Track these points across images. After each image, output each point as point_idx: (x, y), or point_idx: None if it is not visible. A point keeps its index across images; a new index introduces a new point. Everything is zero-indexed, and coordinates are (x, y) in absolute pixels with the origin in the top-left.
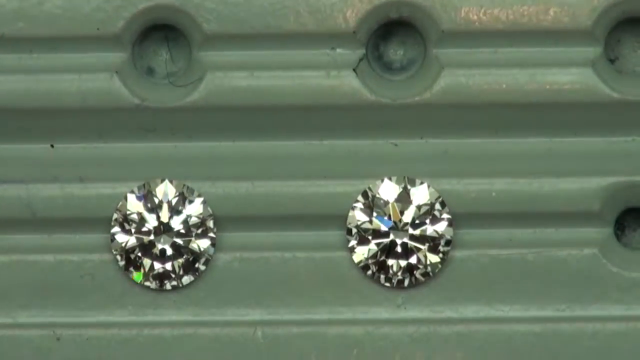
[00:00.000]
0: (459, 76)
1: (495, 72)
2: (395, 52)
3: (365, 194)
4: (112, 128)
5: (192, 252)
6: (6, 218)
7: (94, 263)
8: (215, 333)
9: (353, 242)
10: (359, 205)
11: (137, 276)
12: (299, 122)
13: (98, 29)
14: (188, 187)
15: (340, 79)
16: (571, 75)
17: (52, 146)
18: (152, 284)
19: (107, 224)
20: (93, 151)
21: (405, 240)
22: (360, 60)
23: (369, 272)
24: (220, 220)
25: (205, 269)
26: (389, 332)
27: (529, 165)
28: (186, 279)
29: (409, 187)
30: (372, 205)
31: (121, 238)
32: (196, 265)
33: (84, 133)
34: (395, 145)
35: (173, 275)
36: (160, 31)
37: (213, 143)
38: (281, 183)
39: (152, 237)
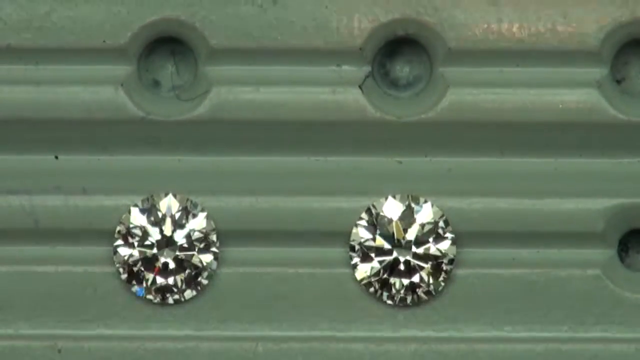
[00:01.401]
0: (464, 95)
1: (500, 92)
2: (402, 70)
3: (369, 212)
4: (116, 140)
5: (195, 266)
6: (9, 228)
7: (96, 275)
8: (217, 348)
9: (356, 260)
10: (363, 222)
11: (138, 290)
12: (303, 138)
13: (104, 41)
14: (192, 202)
15: (346, 95)
16: (577, 96)
17: (56, 157)
18: (154, 297)
19: (110, 236)
20: (97, 163)
21: (408, 258)
22: (366, 77)
23: (372, 290)
24: (223, 234)
25: (208, 284)
26: (391, 350)
27: (533, 185)
28: (188, 293)
29: (412, 205)
30: (376, 222)
31: (124, 251)
32: (199, 280)
33: (88, 145)
34: (400, 162)
35: (175, 290)
36: (167, 44)
37: (217, 157)
38: (285, 199)
39: (154, 250)
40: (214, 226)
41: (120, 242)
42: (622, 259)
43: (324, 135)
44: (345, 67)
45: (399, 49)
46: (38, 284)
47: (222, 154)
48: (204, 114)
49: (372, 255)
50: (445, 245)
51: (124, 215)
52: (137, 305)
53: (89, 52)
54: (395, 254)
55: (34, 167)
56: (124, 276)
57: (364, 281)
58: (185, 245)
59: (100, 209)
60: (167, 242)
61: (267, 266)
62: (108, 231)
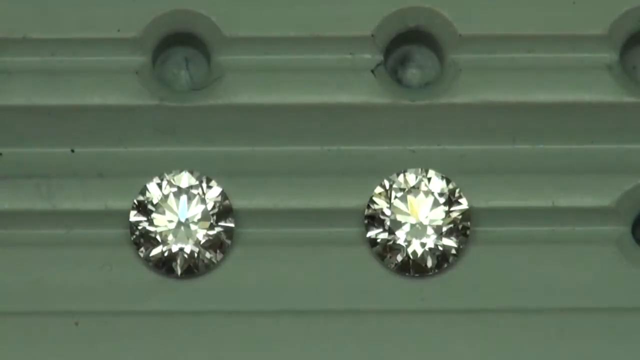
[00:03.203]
0: (476, 79)
1: (512, 77)
2: (414, 75)
3: (383, 185)
4: (131, 130)
5: (211, 240)
6: (26, 210)
7: (113, 254)
8: (234, 322)
9: (371, 233)
10: (378, 193)
11: (154, 263)
12: (316, 124)
13: (119, 30)
14: (207, 177)
15: (359, 80)
16: (588, 79)
17: (72, 151)
18: (170, 271)
19: (125, 217)
20: (113, 155)
21: (424, 230)
22: (378, 65)
23: (387, 262)
24: (238, 214)
25: (223, 260)
26: (408, 322)
27: (546, 170)
28: (204, 267)
29: (425, 178)
30: (390, 194)
31: (140, 225)
32: (215, 254)
33: (104, 136)
34: (413, 152)
35: (192, 263)
36: (181, 35)
37: (232, 143)
38: (300, 180)
39: (171, 224)
40: (229, 202)
41: (136, 217)
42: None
43: (337, 122)
44: (357, 55)
45: (410, 57)
46: (55, 264)
47: (236, 141)
48: (218, 100)
49: (388, 226)
50: (461, 216)
51: (140, 191)
52: (153, 280)
53: (104, 42)
54: (409, 226)
55: (50, 156)
56: (141, 250)
57: (379, 253)
58: (202, 219)
59: (116, 190)
60: (183, 216)
61: (281, 245)
62: (123, 212)
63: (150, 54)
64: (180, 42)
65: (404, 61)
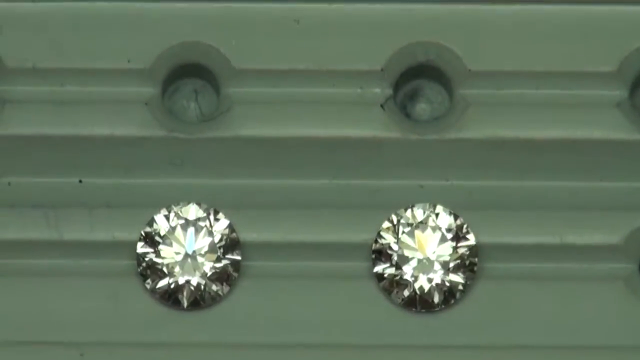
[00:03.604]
0: (484, 114)
1: (521, 113)
2: (423, 110)
3: (390, 220)
4: (140, 161)
5: (218, 272)
6: (33, 240)
7: (119, 285)
8: (240, 355)
9: (378, 267)
10: (385, 228)
11: (161, 295)
12: (325, 157)
13: (129, 61)
14: (215, 210)
15: (368, 113)
16: (596, 116)
17: (80, 181)
18: (176, 303)
19: (132, 248)
20: (121, 186)
21: (431, 265)
22: (387, 99)
23: (394, 297)
24: (245, 246)
25: (230, 293)
26: (414, 357)
27: (554, 206)
28: (210, 300)
29: (433, 213)
30: (398, 229)
31: (147, 257)
32: (222, 286)
33: (112, 167)
34: (421, 187)
35: (198, 296)
36: (190, 67)
37: (240, 178)
38: (307, 212)
39: (178, 256)
40: (236, 235)
41: (143, 249)
42: None
43: (346, 156)
44: (367, 90)
45: (419, 87)
46: (62, 294)
47: (244, 173)
48: (226, 132)
49: (395, 261)
50: (467, 252)
51: (147, 222)
52: (159, 312)
53: (113, 73)
54: (417, 261)
55: (58, 186)
56: (147, 282)
57: (386, 288)
58: (209, 250)
59: (123, 221)
60: (190, 248)
61: (288, 278)
62: (131, 243)
63: (160, 85)
64: (189, 73)
65: (413, 96)
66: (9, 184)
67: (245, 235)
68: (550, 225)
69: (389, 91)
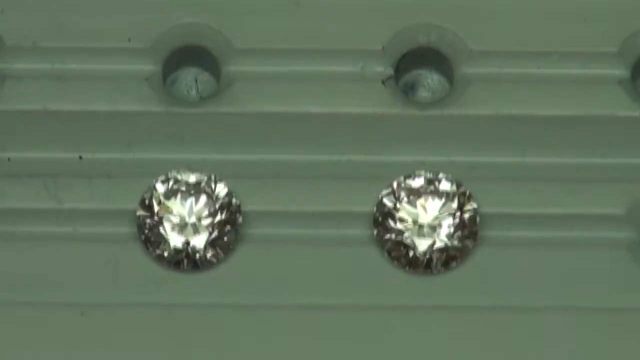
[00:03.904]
0: (486, 91)
1: (522, 90)
2: (424, 99)
3: (392, 186)
4: (140, 137)
5: (218, 236)
6: (33, 209)
7: (119, 250)
8: (238, 315)
9: (379, 232)
10: (386, 194)
11: (160, 259)
12: (325, 133)
13: (129, 40)
14: (215, 175)
15: (369, 89)
16: (598, 93)
17: (80, 157)
18: (176, 267)
19: (133, 215)
20: (121, 161)
21: (432, 230)
22: (389, 78)
23: (395, 261)
24: (246, 215)
25: (229, 257)
26: (414, 317)
27: (556, 180)
28: (209, 264)
29: (435, 180)
30: (399, 195)
31: (147, 221)
32: (221, 250)
33: (112, 142)
34: (422, 163)
35: (197, 259)
36: (192, 47)
37: (240, 153)
38: (308, 184)
39: (178, 220)
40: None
41: (142, 211)
42: None
43: (346, 131)
44: (368, 68)
45: (420, 77)
46: (61, 258)
47: (244, 148)
48: (227, 107)
49: (396, 225)
50: (468, 216)
51: (147, 188)
52: (158, 275)
53: (114, 51)
54: (418, 224)
55: (58, 160)
56: (147, 245)
57: (388, 251)
58: (208, 213)
59: (123, 190)
60: (189, 210)
61: (289, 244)
62: (131, 211)
63: (161, 65)
64: (190, 56)
65: (414, 85)
66: (9, 159)
67: (245, 206)
68: (552, 197)
69: (389, 71)
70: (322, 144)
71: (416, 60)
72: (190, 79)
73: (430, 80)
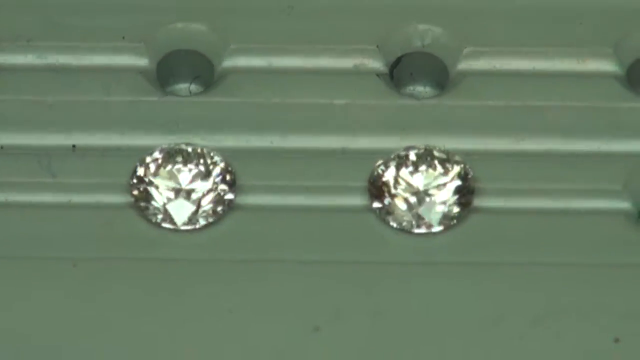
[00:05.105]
0: (482, 81)
1: (517, 85)
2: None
3: (387, 157)
4: (134, 126)
5: (213, 201)
6: (26, 182)
7: (114, 214)
8: (233, 270)
9: (376, 199)
10: (379, 164)
11: (153, 223)
12: (320, 123)
13: (123, 38)
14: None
15: (364, 80)
16: (592, 89)
17: (73, 146)
18: (170, 224)
19: (127, 187)
20: (115, 147)
21: (429, 198)
22: (384, 73)
23: (391, 225)
24: (240, 187)
25: (225, 219)
26: (411, 273)
27: (552, 164)
28: (204, 221)
29: (429, 154)
30: (397, 165)
31: (142, 187)
32: (216, 214)
33: (106, 131)
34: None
35: (193, 221)
36: (186, 47)
37: (234, 141)
38: (304, 161)
39: (173, 185)
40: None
41: (138, 180)
42: None
43: (341, 121)
44: (362, 65)
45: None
46: (56, 221)
47: (239, 136)
48: (221, 96)
49: (394, 190)
50: (465, 180)
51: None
52: (152, 233)
53: (109, 48)
54: (417, 187)
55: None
56: (141, 204)
57: (382, 215)
58: (203, 177)
59: (117, 164)
60: (185, 176)
61: (284, 211)
62: (125, 184)
63: (155, 63)
64: (184, 56)
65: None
66: (2, 147)
67: (241, 181)
68: (550, 175)
69: (384, 68)
70: (318, 131)
71: (410, 58)
72: (186, 54)
73: (422, 88)
